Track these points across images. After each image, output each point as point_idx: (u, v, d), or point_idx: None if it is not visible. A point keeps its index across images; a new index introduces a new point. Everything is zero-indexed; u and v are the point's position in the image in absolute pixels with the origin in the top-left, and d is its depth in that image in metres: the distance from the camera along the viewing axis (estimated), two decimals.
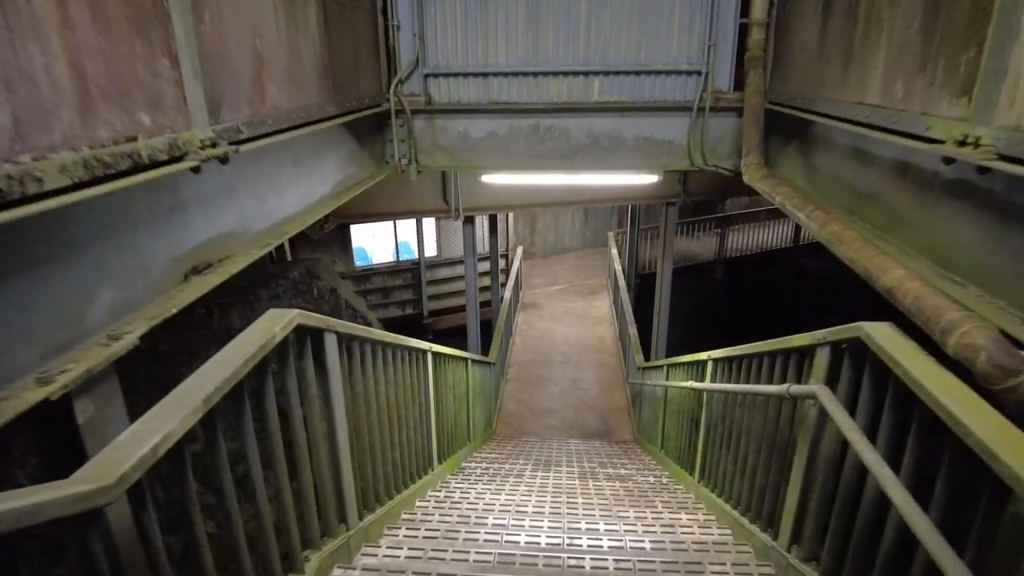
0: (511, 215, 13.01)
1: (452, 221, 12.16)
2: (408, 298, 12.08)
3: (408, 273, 11.92)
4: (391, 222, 11.60)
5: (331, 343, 2.46)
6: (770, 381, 2.97)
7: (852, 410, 2.04)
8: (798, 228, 15.83)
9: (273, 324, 2.03)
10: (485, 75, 4.01)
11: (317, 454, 2.46)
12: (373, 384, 3.12)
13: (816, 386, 2.08)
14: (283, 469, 2.13)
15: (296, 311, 2.17)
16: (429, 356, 4.16)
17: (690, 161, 4.10)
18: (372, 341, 3.11)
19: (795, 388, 2.28)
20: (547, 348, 10.73)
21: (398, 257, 11.94)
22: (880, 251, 2.09)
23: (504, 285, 10.97)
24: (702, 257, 14.45)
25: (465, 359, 5.71)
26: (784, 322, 14.58)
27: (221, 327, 9.01)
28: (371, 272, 11.66)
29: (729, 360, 3.65)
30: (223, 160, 2.16)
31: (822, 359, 2.31)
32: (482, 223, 12.06)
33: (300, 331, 2.24)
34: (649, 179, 4.51)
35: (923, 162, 2.21)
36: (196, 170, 1.99)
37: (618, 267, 11.56)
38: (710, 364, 4.04)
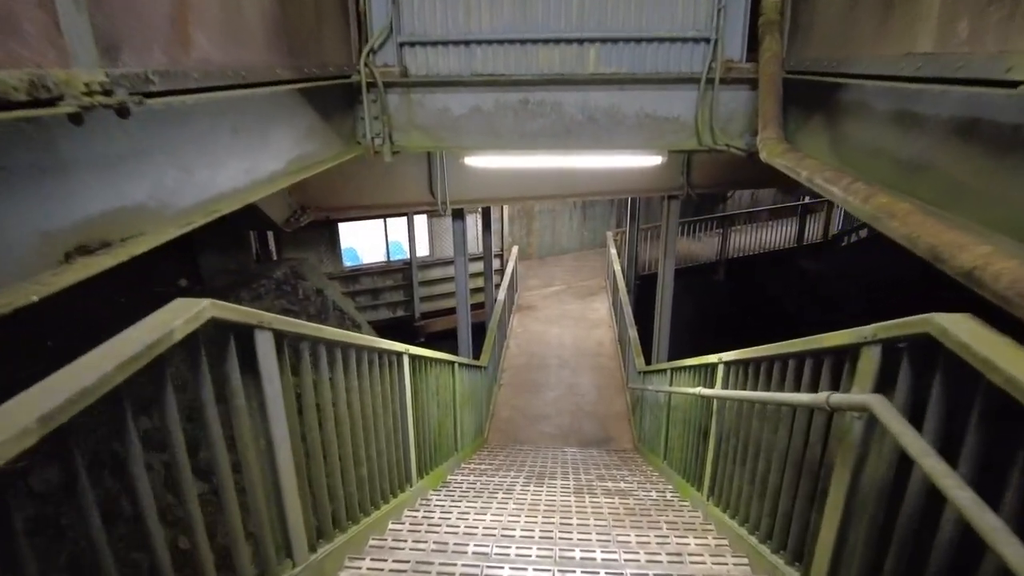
0: (506, 213, 12.57)
1: (445, 220, 11.74)
2: (399, 300, 11.63)
3: (399, 274, 11.47)
4: (381, 220, 11.17)
5: (265, 343, 2.01)
6: (795, 388, 2.53)
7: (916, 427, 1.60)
8: (802, 228, 15.46)
9: (173, 317, 1.58)
10: (467, 43, 3.56)
11: (250, 478, 2.01)
12: (331, 392, 2.68)
13: (869, 396, 1.63)
14: (192, 499, 1.68)
15: (209, 300, 1.72)
16: (406, 360, 3.71)
17: (698, 140, 3.66)
18: (329, 342, 2.67)
19: (837, 398, 1.84)
20: (543, 351, 10.28)
21: (389, 257, 11.49)
22: (950, 224, 1.64)
23: (498, 286, 10.53)
24: (703, 258, 14.03)
25: (451, 363, 5.26)
26: (788, 325, 14.18)
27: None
28: (360, 272, 11.22)
29: (744, 363, 3.20)
30: (122, 112, 1.71)
31: (870, 361, 1.87)
32: (476, 221, 11.64)
33: (218, 327, 1.80)
34: (652, 161, 4.06)
35: (999, 114, 1.77)
36: (77, 120, 1.54)
37: (617, 267, 11.13)
38: (721, 368, 3.60)
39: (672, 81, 3.56)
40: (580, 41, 3.53)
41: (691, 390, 3.99)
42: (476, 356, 8.06)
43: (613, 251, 11.98)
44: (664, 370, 5.51)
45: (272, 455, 2.10)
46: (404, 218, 11.12)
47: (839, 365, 2.15)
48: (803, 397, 2.09)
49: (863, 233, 15.44)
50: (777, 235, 15.03)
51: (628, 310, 9.13)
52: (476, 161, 4.05)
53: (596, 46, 3.54)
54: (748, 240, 14.58)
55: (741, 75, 3.50)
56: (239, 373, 1.91)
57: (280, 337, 2.15)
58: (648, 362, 7.65)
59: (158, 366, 1.51)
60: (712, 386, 3.79)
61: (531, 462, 6.14)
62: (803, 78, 3.14)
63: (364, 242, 11.95)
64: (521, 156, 4.00)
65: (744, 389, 3.14)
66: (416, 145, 3.76)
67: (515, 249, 12.13)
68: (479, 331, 9.60)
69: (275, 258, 11.19)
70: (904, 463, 1.73)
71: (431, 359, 4.45)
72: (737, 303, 15.17)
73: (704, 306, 14.33)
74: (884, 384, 1.84)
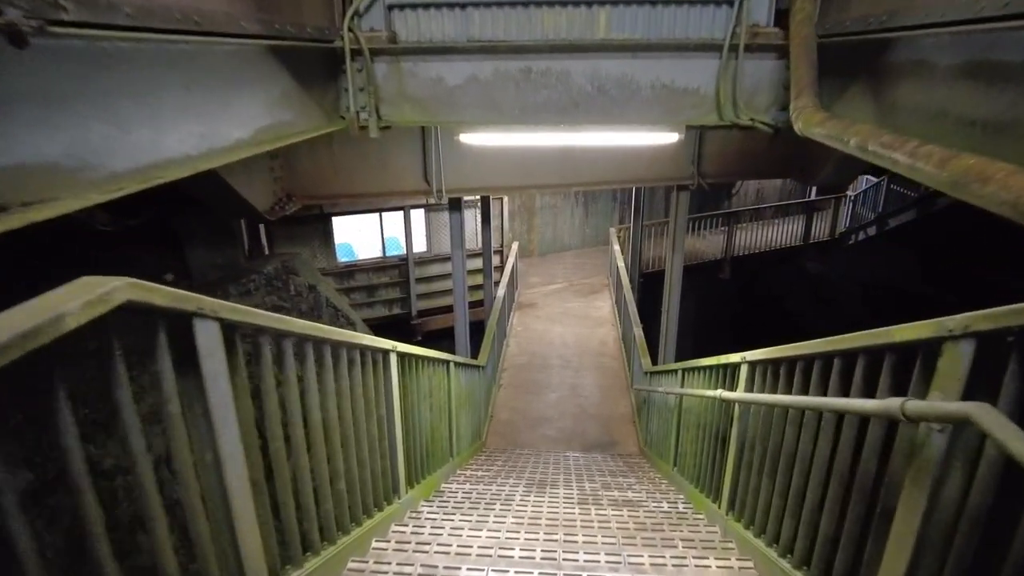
0: (506, 209, 12.20)
1: (443, 215, 11.37)
2: (395, 297, 11.26)
3: (395, 270, 11.11)
4: (376, 215, 10.80)
5: (208, 336, 1.65)
6: (843, 392, 2.17)
7: None
8: (808, 225, 15.11)
9: (67, 299, 1.20)
10: (463, 6, 3.19)
11: (189, 501, 1.64)
12: (299, 396, 2.31)
13: (970, 404, 1.26)
14: (96, 526, 1.30)
15: (125, 279, 1.34)
16: (394, 358, 3.34)
17: (719, 114, 3.29)
18: (300, 336, 2.30)
19: (918, 405, 1.46)
20: (544, 351, 9.91)
21: (385, 253, 11.12)
22: None
23: (498, 283, 10.16)
24: (708, 255, 13.65)
25: (446, 362, 4.90)
26: (795, 326, 13.83)
27: None
28: (355, 268, 10.85)
29: (774, 363, 2.83)
30: (16, 39, 1.35)
31: (956, 360, 1.50)
32: (475, 216, 11.27)
33: (140, 314, 1.43)
34: (668, 138, 3.69)
35: None
36: None
37: (621, 264, 10.76)
38: (745, 369, 3.23)
39: (691, 48, 3.19)
40: (589, 3, 3.16)
41: (709, 392, 3.62)
42: (474, 356, 7.70)
43: (616, 247, 11.61)
44: (674, 371, 5.14)
45: (220, 472, 1.73)
46: (400, 212, 10.76)
47: (905, 365, 1.78)
48: (866, 404, 1.72)
49: (871, 231, 15.08)
50: (783, 233, 14.66)
51: (632, 308, 8.76)
52: (473, 138, 3.67)
53: (607, 9, 3.17)
54: (754, 238, 14.21)
55: (768, 41, 3.13)
56: (172, 373, 1.54)
57: (230, 329, 1.78)
58: (654, 362, 7.28)
59: (40, 363, 1.13)
60: (734, 388, 3.42)
61: (531, 468, 5.78)
62: (841, 40, 2.77)
63: (360, 237, 11.59)
64: (523, 133, 3.64)
65: (775, 392, 2.76)
66: (407, 119, 3.39)
67: (515, 245, 11.76)
68: (478, 330, 9.25)
69: (267, 253, 10.84)
70: (1012, 488, 1.36)
71: (424, 358, 4.08)
72: (744, 302, 14.82)
73: (710, 305, 13.96)
74: (974, 389, 1.48)
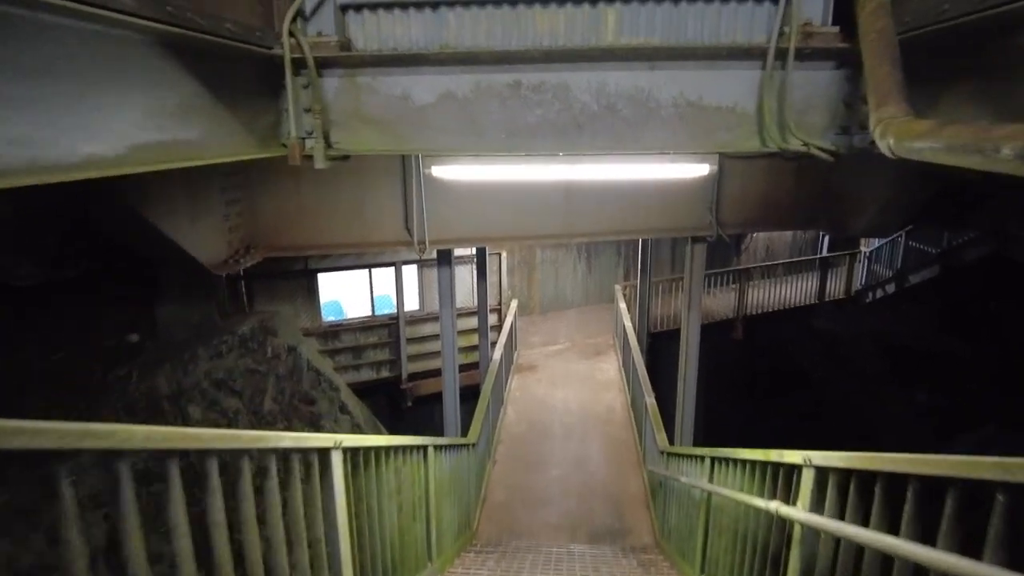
0: (504, 263, 11.51)
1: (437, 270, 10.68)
2: (384, 359, 10.41)
3: (384, 330, 10.30)
4: (366, 270, 10.11)
5: None
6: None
7: None
8: (824, 282, 14.38)
9: None
10: (434, 5, 2.54)
11: None
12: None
13: None
14: None
15: None
16: (338, 459, 2.49)
17: (761, 138, 2.57)
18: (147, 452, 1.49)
19: None
20: (545, 418, 8.96)
21: (373, 311, 10.35)
22: None
23: (495, 344, 9.33)
24: (719, 314, 12.85)
25: (422, 448, 4.02)
26: (812, 391, 12.83)
27: (141, 393, 7.16)
28: (341, 328, 10.05)
29: (864, 478, 1.98)
30: None
31: None
32: (471, 271, 10.56)
33: None
34: (695, 170, 2.97)
35: None
36: None
37: (628, 323, 9.94)
38: (809, 476, 2.37)
39: (724, 55, 2.50)
40: (593, 0, 2.50)
41: (758, 502, 2.73)
42: (467, 424, 6.79)
43: (622, 305, 10.83)
44: (699, 457, 4.24)
45: None
46: (391, 268, 10.06)
47: None
48: None
49: (890, 288, 14.33)
50: (797, 291, 13.95)
51: (642, 372, 7.88)
52: (447, 171, 2.95)
53: (616, 7, 2.50)
54: (766, 296, 13.48)
55: (826, 44, 2.44)
56: None
57: None
58: (670, 438, 6.35)
59: None
60: (792, 498, 2.54)
61: (529, 570, 4.79)
62: (935, 30, 2.07)
63: (349, 294, 10.86)
64: (512, 165, 2.93)
65: (865, 521, 1.90)
66: (364, 146, 2.68)
67: (514, 303, 10.99)
68: (473, 394, 8.35)
69: (246, 310, 10.09)
70: None
71: (388, 449, 3.22)
72: (758, 364, 13.90)
73: (722, 367, 13.04)
74: None
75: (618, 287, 11.90)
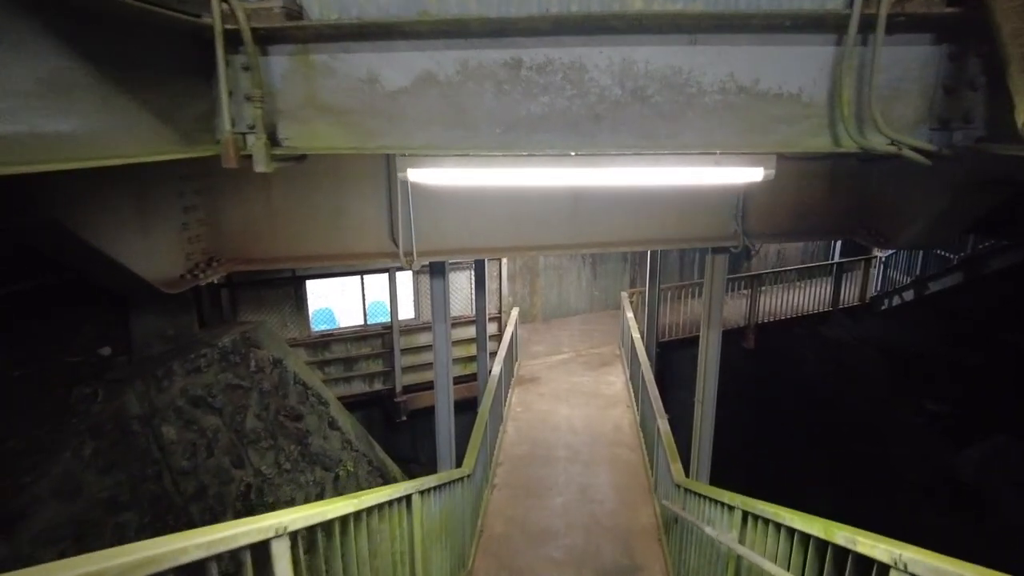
0: (504, 269, 10.93)
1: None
2: (378, 370, 9.83)
3: (378, 340, 9.72)
4: (357, 277, 9.53)
5: None
6: None
7: None
8: (838, 288, 13.79)
9: None
10: None
11: None
12: None
13: None
14: None
15: None
16: (279, 552, 1.90)
17: (834, 136, 1.99)
18: None
19: None
20: (548, 438, 8.37)
21: (366, 320, 9.77)
22: None
23: (494, 355, 8.74)
24: (729, 322, 12.25)
25: (403, 499, 3.43)
26: (826, 406, 12.25)
27: (108, 414, 6.51)
28: (331, 339, 9.47)
29: None
30: None
31: None
32: (470, 278, 9.98)
33: None
34: (748, 175, 2.39)
35: None
36: None
37: (636, 335, 9.35)
38: None
39: (788, 26, 1.92)
40: None
41: None
42: (465, 442, 6.22)
43: (629, 314, 10.24)
44: (727, 506, 3.65)
45: None
46: (385, 275, 9.48)
47: None
48: None
49: (908, 296, 13.72)
50: (810, 297, 13.37)
51: (654, 391, 7.29)
52: (428, 175, 2.36)
53: None
54: (779, 303, 12.90)
55: (926, 10, 1.85)
56: None
57: None
58: (684, 466, 5.75)
59: None
60: None
61: None
62: None
63: (341, 302, 10.27)
64: (509, 168, 2.34)
65: None
66: (321, 143, 2.10)
67: (515, 311, 10.40)
68: (472, 407, 7.78)
69: (230, 320, 9.51)
70: None
71: (357, 514, 2.63)
72: (770, 374, 13.30)
73: (733, 379, 12.46)
74: None
75: (624, 294, 11.32)
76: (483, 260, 7.78)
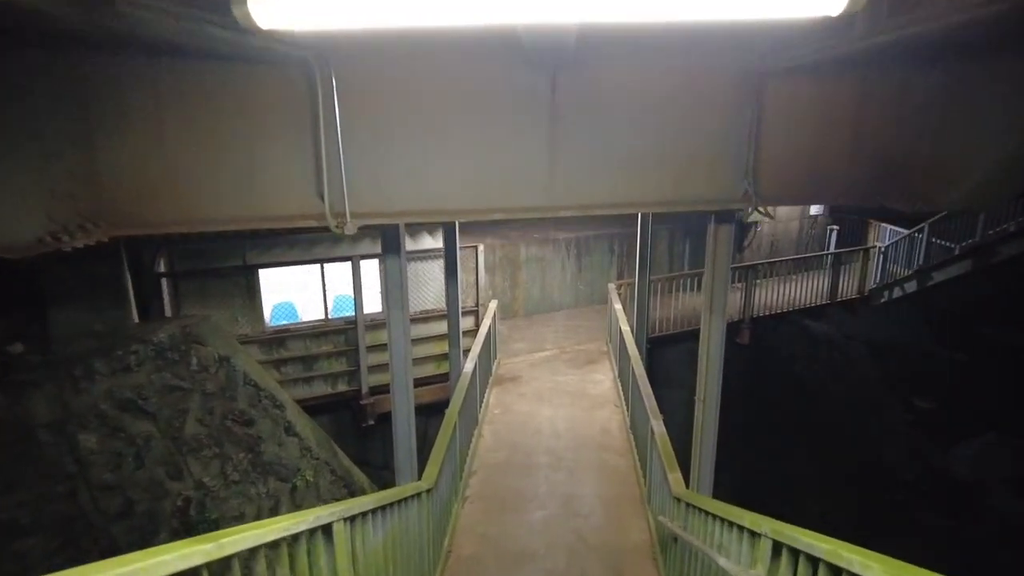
0: (481, 259, 10.05)
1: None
2: (341, 370, 8.90)
3: (341, 336, 8.80)
4: (317, 266, 8.61)
5: None
6: None
7: None
8: (836, 280, 13.12)
9: None
10: None
11: None
12: None
13: None
14: None
15: None
16: None
17: None
18: None
19: None
20: (528, 443, 7.50)
21: (327, 314, 8.85)
22: None
23: (468, 352, 7.86)
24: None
25: (321, 528, 2.54)
26: (813, 397, 11.61)
27: (10, 419, 5.47)
28: (288, 335, 8.53)
29: None
30: None
31: None
32: (443, 267, 9.08)
33: None
34: (808, 7, 1.55)
35: None
36: None
37: (625, 327, 8.52)
38: None
39: None
40: None
41: None
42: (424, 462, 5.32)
43: (618, 306, 9.42)
44: (748, 532, 2.80)
45: None
46: (348, 263, 8.57)
47: None
48: None
49: (909, 287, 13.04)
50: (806, 290, 12.71)
51: (646, 388, 6.45)
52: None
53: None
54: (773, 296, 12.21)
55: None
56: None
57: None
58: (685, 477, 4.90)
59: None
60: None
61: None
62: None
63: (305, 295, 9.33)
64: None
65: None
66: None
67: (493, 304, 9.53)
68: (444, 410, 6.90)
69: (169, 314, 8.53)
70: None
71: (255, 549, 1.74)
72: (765, 371, 12.58)
73: (725, 376, 11.76)
74: None
75: (612, 285, 10.50)
76: (454, 241, 6.90)
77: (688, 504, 4.14)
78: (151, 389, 6.89)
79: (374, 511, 3.23)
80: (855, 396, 13.32)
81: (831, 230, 15.26)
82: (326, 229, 3.47)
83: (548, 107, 3.58)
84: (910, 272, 12.87)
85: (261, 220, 3.51)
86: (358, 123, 3.38)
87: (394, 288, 4.77)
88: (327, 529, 2.63)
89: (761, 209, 4.08)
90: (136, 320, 8.07)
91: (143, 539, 6.30)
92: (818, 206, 15.26)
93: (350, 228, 3.42)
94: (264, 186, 3.46)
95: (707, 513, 3.63)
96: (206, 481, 7.17)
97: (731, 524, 3.11)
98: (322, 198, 3.44)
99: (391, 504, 3.54)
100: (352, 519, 2.82)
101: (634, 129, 3.75)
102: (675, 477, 4.64)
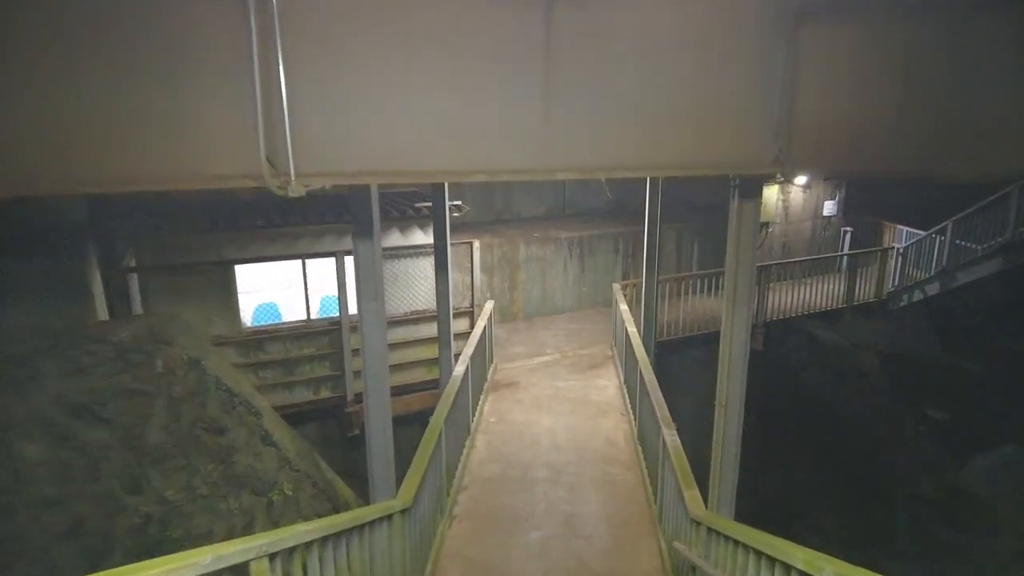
0: (476, 257, 9.42)
1: (391, 263, 8.61)
2: (325, 374, 8.25)
3: (324, 338, 8.16)
4: (298, 261, 7.99)
5: None
6: None
7: None
8: (852, 283, 12.45)
9: None
10: None
11: None
12: None
13: None
14: None
15: None
16: None
17: None
18: None
19: None
20: (526, 456, 6.82)
21: (309, 315, 8.22)
22: None
23: (459, 356, 7.21)
24: None
25: (236, 568, 1.89)
26: (826, 407, 10.95)
27: None
28: (266, 336, 7.90)
29: None
30: None
31: None
32: (429, 263, 8.44)
33: None
34: None
35: None
36: None
37: (631, 328, 7.86)
38: None
39: None
40: None
41: None
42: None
43: (623, 307, 8.76)
44: (800, 573, 2.13)
45: None
46: (331, 259, 7.94)
47: None
48: None
49: (931, 289, 12.37)
50: (821, 293, 12.07)
51: (656, 395, 5.78)
52: None
53: None
54: (787, 299, 11.58)
55: None
56: None
57: None
58: (703, 495, 4.22)
59: None
60: None
61: None
62: None
63: (290, 294, 8.69)
64: None
65: None
66: None
67: (489, 304, 8.89)
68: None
69: (139, 312, 7.92)
70: None
71: None
72: (778, 378, 11.89)
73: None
74: None
75: (617, 286, 9.84)
76: (445, 231, 6.26)
77: (711, 529, 3.46)
78: (109, 393, 6.25)
79: (323, 540, 2.57)
80: (867, 406, 12.71)
81: (845, 231, 14.62)
82: (272, 194, 2.85)
83: (542, 48, 2.96)
84: (931, 274, 12.21)
85: (190, 179, 2.87)
86: (307, 56, 2.75)
87: (366, 276, 4.14)
88: (243, 570, 1.97)
89: (789, 175, 3.44)
90: (108, 319, 7.47)
91: (91, 563, 5.63)
92: (832, 206, 14.60)
93: (295, 189, 2.79)
94: (196, 139, 2.83)
95: (736, 542, 2.95)
96: (169, 495, 6.49)
97: (773, 560, 2.43)
98: (269, 158, 2.80)
99: (348, 531, 2.88)
100: (273, 556, 2.16)
101: (644, 76, 3.12)
102: (692, 495, 3.96)
